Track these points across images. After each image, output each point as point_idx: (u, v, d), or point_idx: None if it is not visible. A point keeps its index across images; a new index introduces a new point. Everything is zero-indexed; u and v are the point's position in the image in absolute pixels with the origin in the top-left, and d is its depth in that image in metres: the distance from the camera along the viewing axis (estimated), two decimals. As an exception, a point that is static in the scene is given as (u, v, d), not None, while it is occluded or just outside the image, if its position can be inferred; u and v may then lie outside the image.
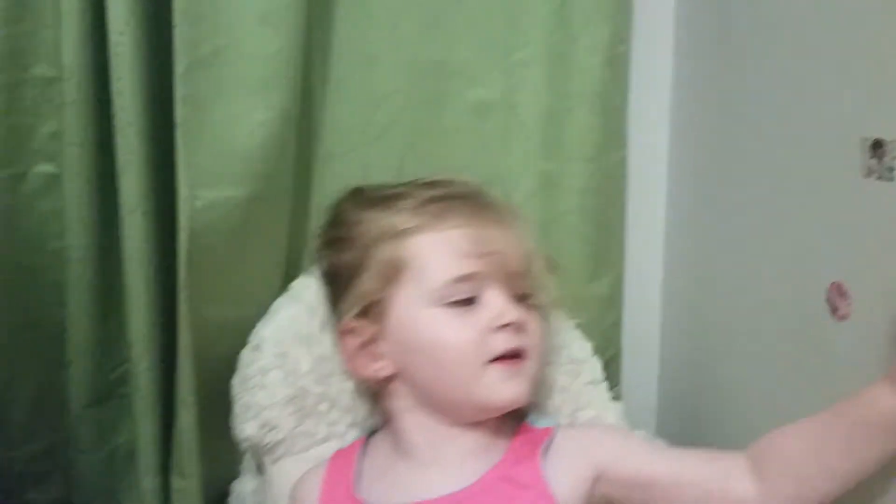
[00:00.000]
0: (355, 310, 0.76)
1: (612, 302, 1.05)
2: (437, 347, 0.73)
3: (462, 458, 0.74)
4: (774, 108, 0.85)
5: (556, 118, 0.98)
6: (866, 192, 0.71)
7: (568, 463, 0.73)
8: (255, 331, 0.87)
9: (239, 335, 0.88)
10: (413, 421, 0.76)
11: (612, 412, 0.87)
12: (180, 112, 0.81)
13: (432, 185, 0.80)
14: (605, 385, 0.89)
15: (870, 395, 0.66)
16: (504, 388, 0.73)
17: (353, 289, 0.76)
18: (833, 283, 0.75)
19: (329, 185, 0.95)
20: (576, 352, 0.88)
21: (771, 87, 0.86)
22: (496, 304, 0.73)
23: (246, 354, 0.86)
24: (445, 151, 0.97)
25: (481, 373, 0.72)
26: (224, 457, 0.93)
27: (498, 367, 0.73)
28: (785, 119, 0.83)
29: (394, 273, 0.74)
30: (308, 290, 0.87)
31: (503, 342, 0.73)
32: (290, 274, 0.93)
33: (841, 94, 0.75)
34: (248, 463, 0.92)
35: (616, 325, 1.06)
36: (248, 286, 0.90)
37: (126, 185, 0.84)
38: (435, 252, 0.74)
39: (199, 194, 0.82)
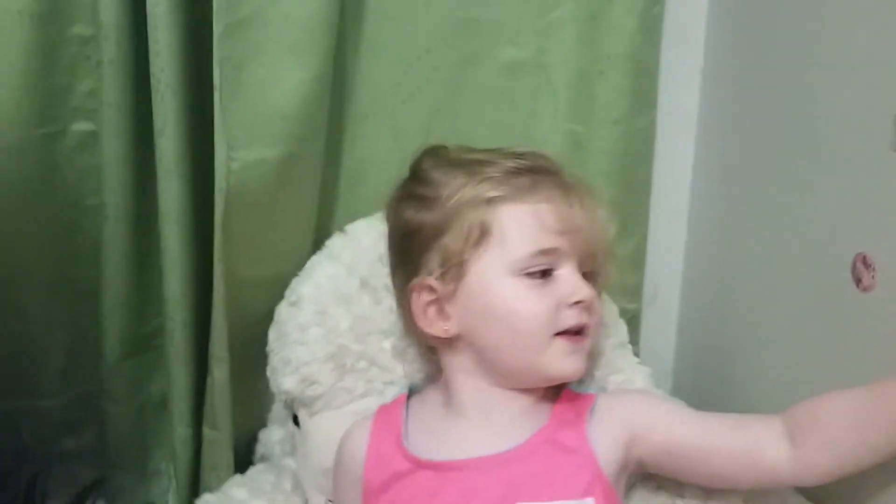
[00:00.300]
0: (438, 268, 0.77)
1: (635, 263, 1.06)
2: (511, 315, 0.75)
3: (510, 420, 0.76)
4: (808, 79, 0.85)
5: (587, 79, 0.98)
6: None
7: (608, 428, 0.76)
8: (292, 287, 0.89)
9: (271, 291, 0.90)
10: (467, 381, 0.78)
11: (640, 375, 0.88)
12: (218, 74, 0.81)
13: (517, 156, 0.80)
14: (630, 348, 0.91)
15: None
16: (566, 362, 0.76)
17: (435, 248, 0.77)
18: (858, 255, 0.77)
19: (360, 145, 0.96)
20: (605, 315, 0.89)
21: (805, 58, 0.86)
22: (571, 280, 0.75)
23: (284, 310, 0.88)
24: (476, 111, 0.97)
25: (547, 344, 0.75)
26: (252, 407, 0.96)
27: (563, 341, 0.75)
28: (818, 90, 0.83)
29: (479, 238, 0.75)
30: (346, 249, 0.89)
31: (573, 318, 0.75)
32: (321, 231, 0.95)
33: (876, 69, 0.75)
34: (275, 413, 0.95)
35: (638, 287, 1.07)
36: (281, 244, 0.91)
37: (163, 146, 0.85)
38: (522, 223, 0.75)
39: (235, 156, 0.83)
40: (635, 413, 0.77)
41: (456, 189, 0.77)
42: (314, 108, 0.87)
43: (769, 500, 0.79)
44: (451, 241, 0.76)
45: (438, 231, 0.77)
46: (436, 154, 0.83)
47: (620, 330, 0.91)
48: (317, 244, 0.93)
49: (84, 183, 0.91)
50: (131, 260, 0.93)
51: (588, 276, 0.78)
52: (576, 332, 0.76)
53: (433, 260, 0.77)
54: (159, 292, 0.93)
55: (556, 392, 0.79)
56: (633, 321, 1.07)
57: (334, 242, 0.91)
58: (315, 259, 0.90)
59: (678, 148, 1.05)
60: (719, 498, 0.80)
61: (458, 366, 0.79)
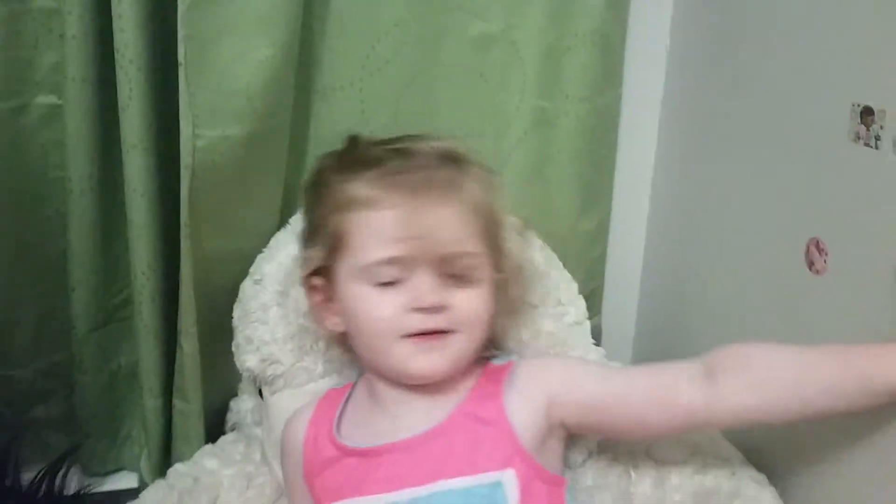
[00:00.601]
0: (305, 270, 0.79)
1: (598, 237, 1.08)
2: (359, 320, 0.76)
3: (428, 403, 0.77)
4: (773, 64, 0.86)
5: (554, 55, 0.98)
6: (852, 156, 0.74)
7: (525, 394, 0.77)
8: (256, 264, 0.90)
9: (238, 265, 0.91)
10: (374, 374, 0.80)
11: (593, 355, 0.90)
12: (183, 51, 0.81)
13: (404, 153, 0.78)
14: (588, 325, 0.92)
15: (887, 357, 0.69)
16: (415, 361, 0.76)
17: (307, 249, 0.79)
18: (812, 239, 0.79)
19: (327, 119, 0.96)
20: (563, 293, 0.90)
21: (771, 44, 0.87)
22: (417, 287, 0.75)
23: (248, 287, 0.89)
24: (445, 85, 0.98)
25: (393, 345, 0.75)
26: (222, 377, 0.97)
27: (410, 342, 0.75)
28: (783, 75, 0.85)
29: (336, 245, 0.76)
30: (308, 228, 0.89)
31: (417, 322, 0.75)
32: (287, 205, 0.96)
33: (839, 59, 0.77)
34: (245, 383, 0.96)
35: (601, 259, 1.10)
36: (248, 219, 0.92)
37: (127, 122, 0.85)
38: (367, 232, 0.75)
39: (201, 133, 0.83)
40: (552, 375, 0.79)
41: (331, 193, 0.78)
42: (280, 84, 0.87)
43: (721, 472, 0.82)
44: (318, 245, 0.78)
45: (314, 233, 0.79)
46: (346, 149, 0.83)
47: (578, 308, 0.92)
48: (283, 218, 0.94)
49: (48, 156, 0.91)
50: (98, 232, 0.94)
51: (458, 276, 0.76)
52: (426, 333, 0.76)
53: (305, 262, 0.79)
54: (127, 263, 0.94)
55: (478, 368, 0.80)
56: (595, 292, 1.10)
57: (298, 219, 0.90)
58: (280, 236, 0.91)
59: (643, 125, 1.07)
60: (671, 467, 0.83)
61: (361, 358, 0.81)
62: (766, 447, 0.83)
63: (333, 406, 0.81)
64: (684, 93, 1.04)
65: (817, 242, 0.79)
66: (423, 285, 0.74)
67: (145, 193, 0.88)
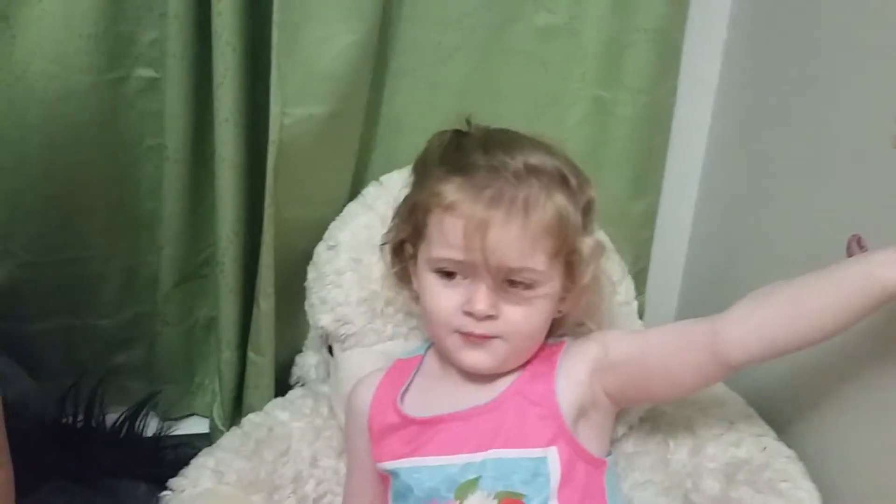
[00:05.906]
0: (391, 238, 0.87)
1: (647, 220, 1.14)
2: (426, 304, 0.84)
3: (490, 377, 0.84)
4: (822, 72, 0.90)
5: (615, 48, 1.03)
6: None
7: (572, 374, 0.84)
8: (329, 232, 0.97)
9: (312, 232, 0.98)
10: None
11: (638, 331, 0.96)
12: (276, 36, 0.87)
13: (494, 168, 0.80)
14: (635, 304, 0.98)
15: (869, 264, 0.74)
16: (464, 355, 0.82)
17: (400, 221, 0.87)
18: (854, 236, 0.83)
19: (398, 99, 1.02)
20: (614, 274, 0.96)
21: (820, 51, 0.90)
22: (472, 292, 0.80)
23: (322, 253, 0.96)
24: (509, 72, 1.03)
25: (448, 336, 0.83)
26: (290, 333, 1.05)
27: (459, 337, 0.82)
28: (831, 81, 0.89)
29: (417, 230, 0.84)
30: (380, 200, 0.96)
31: (466, 324, 0.81)
32: (358, 178, 1.02)
33: (884, 68, 0.80)
34: (311, 340, 1.03)
35: (648, 241, 1.15)
36: (324, 190, 0.99)
37: (221, 98, 0.92)
38: (438, 230, 0.81)
39: (288, 112, 0.90)
40: (591, 348, 0.85)
41: (427, 183, 0.83)
42: (360, 68, 0.93)
43: (754, 446, 0.87)
44: (408, 223, 0.85)
45: (408, 211, 0.85)
46: (454, 139, 0.86)
47: (627, 288, 0.98)
48: (354, 190, 1.01)
49: (145, 125, 0.98)
50: (187, 197, 1.01)
51: (515, 288, 0.80)
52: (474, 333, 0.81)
53: (400, 231, 0.86)
54: (211, 226, 1.01)
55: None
56: (641, 272, 1.15)
57: (370, 192, 0.98)
58: (352, 206, 0.98)
59: (696, 114, 1.11)
60: (708, 439, 0.89)
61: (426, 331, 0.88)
62: (798, 423, 0.89)
63: (401, 377, 0.88)
64: (738, 86, 1.07)
65: (859, 240, 0.83)
66: (478, 293, 0.79)
67: (233, 164, 0.95)
